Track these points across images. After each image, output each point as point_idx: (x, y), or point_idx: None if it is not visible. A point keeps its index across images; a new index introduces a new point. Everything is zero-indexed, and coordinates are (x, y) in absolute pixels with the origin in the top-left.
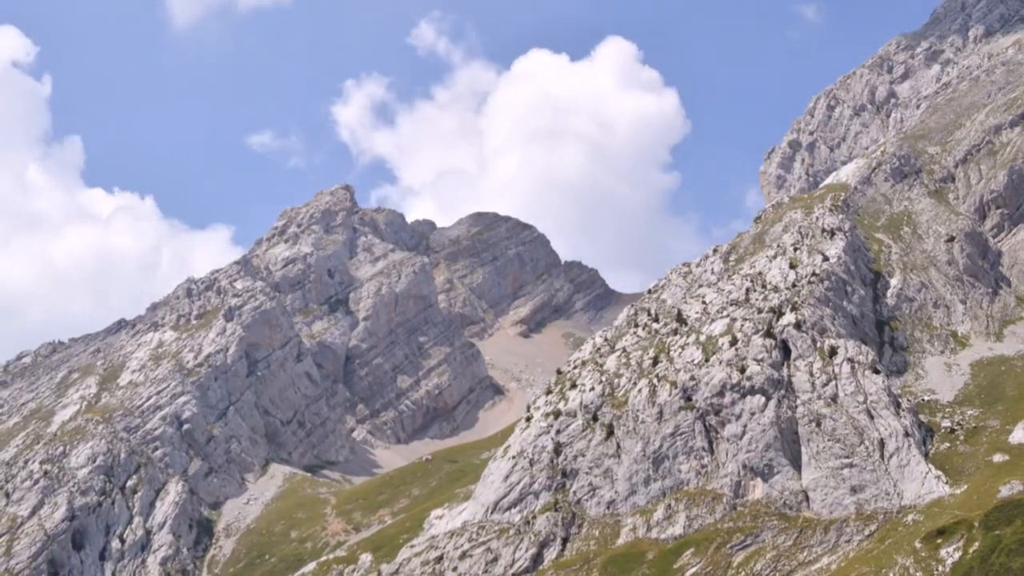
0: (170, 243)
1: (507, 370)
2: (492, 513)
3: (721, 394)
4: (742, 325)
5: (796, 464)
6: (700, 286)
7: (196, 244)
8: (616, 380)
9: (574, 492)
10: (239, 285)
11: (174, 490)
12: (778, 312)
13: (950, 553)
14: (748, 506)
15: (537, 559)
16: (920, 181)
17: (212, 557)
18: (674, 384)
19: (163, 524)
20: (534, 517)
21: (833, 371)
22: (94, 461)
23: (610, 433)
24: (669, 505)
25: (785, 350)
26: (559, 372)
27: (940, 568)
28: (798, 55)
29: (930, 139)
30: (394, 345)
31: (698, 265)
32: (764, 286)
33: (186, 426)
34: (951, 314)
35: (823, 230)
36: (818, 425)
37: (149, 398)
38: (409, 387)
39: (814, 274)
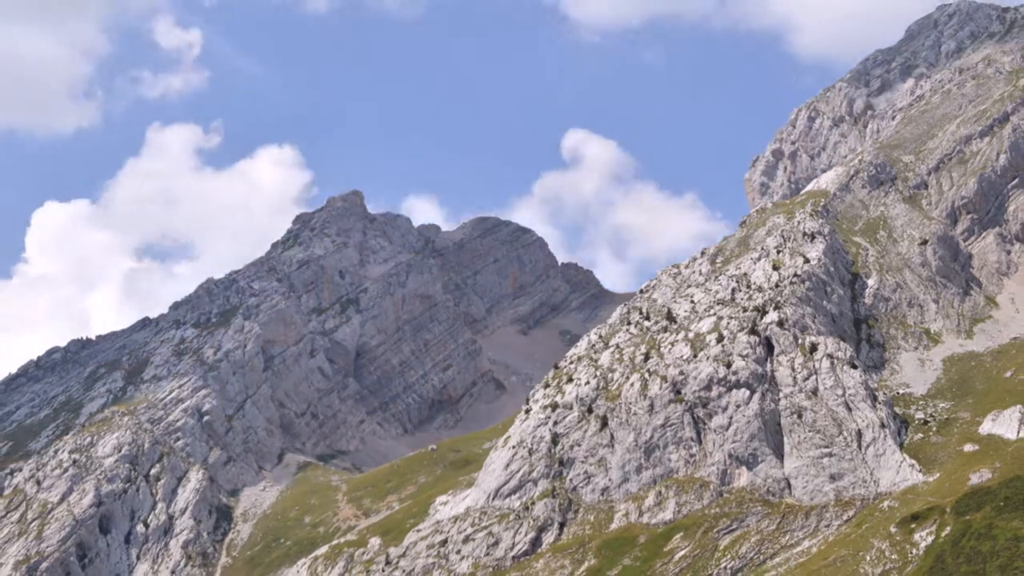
0: None
1: (507, 365)
2: (493, 499)
3: (708, 388)
4: (728, 323)
5: (779, 453)
6: (689, 286)
7: None
8: (610, 375)
9: (570, 480)
10: (256, 285)
11: (195, 478)
12: (762, 311)
13: (923, 537)
14: (734, 493)
15: (536, 542)
16: (895, 188)
17: (231, 541)
18: (664, 378)
19: (184, 510)
20: (533, 503)
21: (813, 366)
22: (120, 451)
23: (604, 424)
24: (660, 492)
25: (768, 346)
26: (556, 367)
27: (914, 551)
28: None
29: (905, 148)
30: (401, 342)
31: (687, 267)
32: (749, 286)
33: (206, 418)
34: (924, 313)
35: (804, 234)
36: (799, 417)
37: (171, 391)
38: (415, 381)
39: (796, 275)
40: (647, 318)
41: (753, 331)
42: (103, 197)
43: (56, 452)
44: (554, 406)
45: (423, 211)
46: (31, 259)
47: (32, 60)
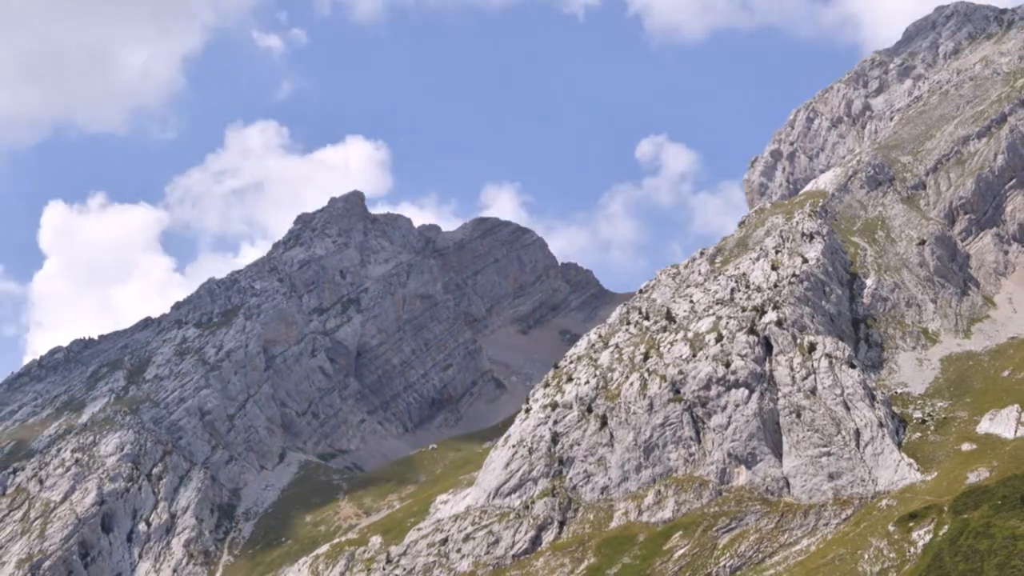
0: None
1: (507, 365)
2: (494, 498)
3: (707, 387)
4: (727, 323)
5: (777, 452)
6: (688, 286)
7: None
8: (609, 374)
9: (570, 479)
10: (258, 285)
11: (197, 477)
12: (761, 310)
13: (921, 536)
14: (733, 492)
15: (536, 541)
16: (893, 188)
17: (232, 539)
18: (664, 378)
19: (186, 508)
20: (533, 502)
21: (812, 366)
22: (122, 450)
23: (604, 423)
24: (659, 491)
25: (767, 346)
26: (556, 367)
27: (912, 550)
28: (780, 72)
29: (903, 149)
30: (402, 341)
31: (686, 267)
32: (748, 286)
33: (208, 417)
34: (922, 312)
35: (803, 234)
36: (798, 416)
37: (173, 391)
38: (416, 380)
39: (794, 275)
40: (646, 318)
41: (752, 331)
42: (182, 193)
43: (59, 451)
44: (554, 405)
45: (503, 211)
46: (111, 257)
47: (128, 63)
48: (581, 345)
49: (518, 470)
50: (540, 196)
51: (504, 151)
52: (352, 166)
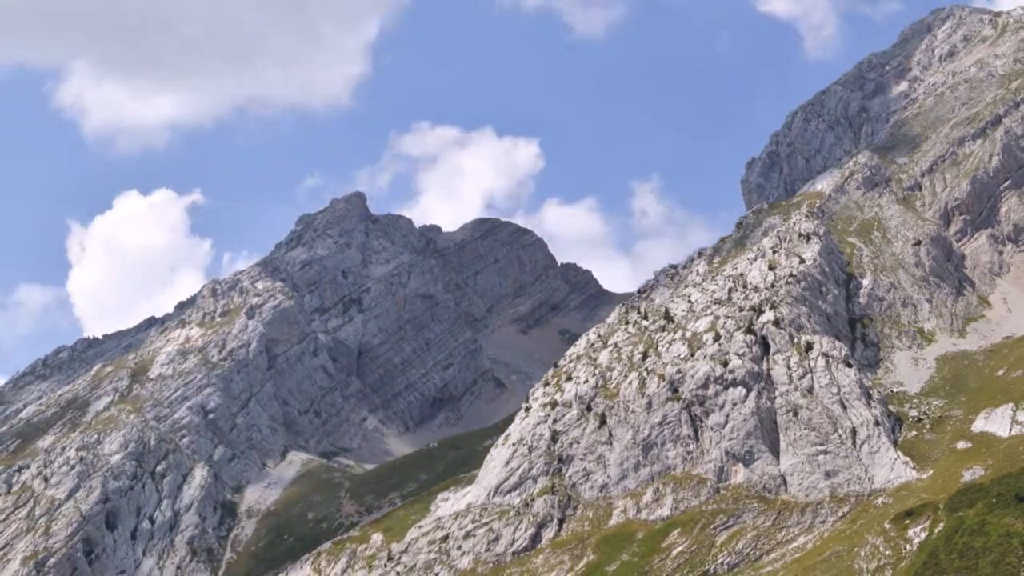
0: None
1: (507, 364)
2: (494, 496)
3: (705, 386)
4: (725, 322)
5: (775, 451)
6: (686, 286)
7: None
8: (608, 373)
9: (569, 477)
10: (260, 286)
11: (200, 475)
12: (758, 310)
13: (917, 533)
14: (730, 490)
15: (535, 538)
16: (889, 189)
17: (235, 537)
18: (662, 377)
19: (190, 506)
20: (533, 500)
21: (809, 365)
22: (126, 448)
23: (603, 422)
24: (657, 489)
25: (764, 345)
26: (556, 366)
27: (908, 547)
28: (777, 73)
29: (899, 151)
30: (403, 340)
31: (684, 267)
32: (745, 286)
33: (211, 415)
34: (918, 312)
35: (800, 235)
36: (795, 415)
37: (177, 390)
38: (417, 379)
39: (791, 275)
40: (645, 317)
41: (749, 330)
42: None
43: (63, 449)
44: (553, 404)
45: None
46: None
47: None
48: (580, 344)
49: (518, 468)
50: (678, 197)
51: (648, 153)
52: (508, 166)
